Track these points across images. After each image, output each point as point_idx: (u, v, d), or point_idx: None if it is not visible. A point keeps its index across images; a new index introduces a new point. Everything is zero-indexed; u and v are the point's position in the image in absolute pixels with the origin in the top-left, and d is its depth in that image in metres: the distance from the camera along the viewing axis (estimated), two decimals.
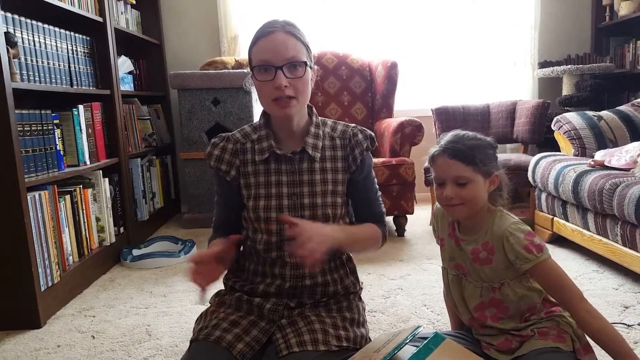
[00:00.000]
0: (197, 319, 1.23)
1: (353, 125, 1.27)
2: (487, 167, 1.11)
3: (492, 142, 1.15)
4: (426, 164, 1.18)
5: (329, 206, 1.18)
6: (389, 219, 2.85)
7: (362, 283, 1.32)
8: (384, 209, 1.32)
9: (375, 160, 2.69)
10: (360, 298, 1.30)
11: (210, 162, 1.22)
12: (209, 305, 1.26)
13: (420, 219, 3.09)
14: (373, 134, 1.27)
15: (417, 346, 1.03)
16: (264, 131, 1.20)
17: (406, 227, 2.78)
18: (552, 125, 2.68)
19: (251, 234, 1.21)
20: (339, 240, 1.11)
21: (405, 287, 2.00)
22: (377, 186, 1.31)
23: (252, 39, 1.15)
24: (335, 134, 1.24)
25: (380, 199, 1.31)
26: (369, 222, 1.27)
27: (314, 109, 1.25)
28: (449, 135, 1.15)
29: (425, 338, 1.07)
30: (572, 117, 2.56)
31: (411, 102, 3.64)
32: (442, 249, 1.26)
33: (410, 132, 2.72)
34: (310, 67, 1.16)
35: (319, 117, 1.25)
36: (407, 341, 1.06)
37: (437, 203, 1.28)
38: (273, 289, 1.18)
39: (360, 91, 3.23)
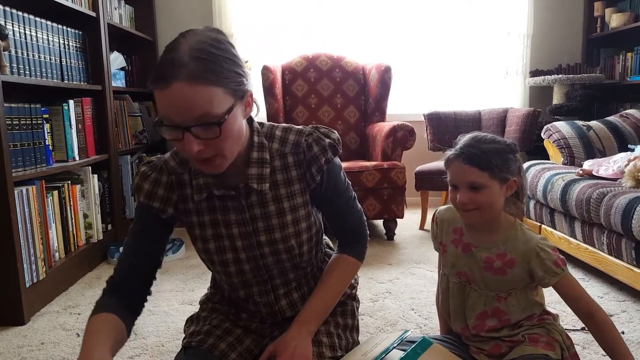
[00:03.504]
0: (187, 320, 1.20)
1: (309, 130, 1.04)
2: (504, 173, 1.07)
3: (511, 145, 1.11)
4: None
5: (292, 237, 1.04)
6: (379, 223, 2.86)
7: (357, 279, 1.27)
8: (360, 216, 1.17)
9: (366, 163, 2.70)
10: (354, 297, 1.24)
11: (139, 197, 1.01)
12: (199, 308, 1.23)
13: (410, 223, 3.10)
14: (337, 135, 1.06)
15: (404, 350, 1.03)
16: None
17: (396, 231, 2.79)
18: (542, 134, 2.71)
19: (211, 270, 1.12)
20: (314, 332, 1.05)
21: (393, 291, 2.01)
22: (352, 191, 1.14)
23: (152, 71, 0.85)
24: (287, 149, 1.02)
25: (357, 203, 1.16)
26: (343, 234, 1.17)
27: (255, 122, 1.02)
28: (466, 138, 1.11)
29: (412, 342, 1.07)
30: (562, 126, 2.59)
31: (404, 106, 3.66)
32: (444, 255, 1.22)
33: (402, 137, 2.73)
34: (242, 98, 0.89)
35: (265, 128, 1.04)
36: (395, 345, 1.06)
37: (438, 208, 1.26)
38: (254, 326, 1.14)
39: (354, 94, 3.24)
